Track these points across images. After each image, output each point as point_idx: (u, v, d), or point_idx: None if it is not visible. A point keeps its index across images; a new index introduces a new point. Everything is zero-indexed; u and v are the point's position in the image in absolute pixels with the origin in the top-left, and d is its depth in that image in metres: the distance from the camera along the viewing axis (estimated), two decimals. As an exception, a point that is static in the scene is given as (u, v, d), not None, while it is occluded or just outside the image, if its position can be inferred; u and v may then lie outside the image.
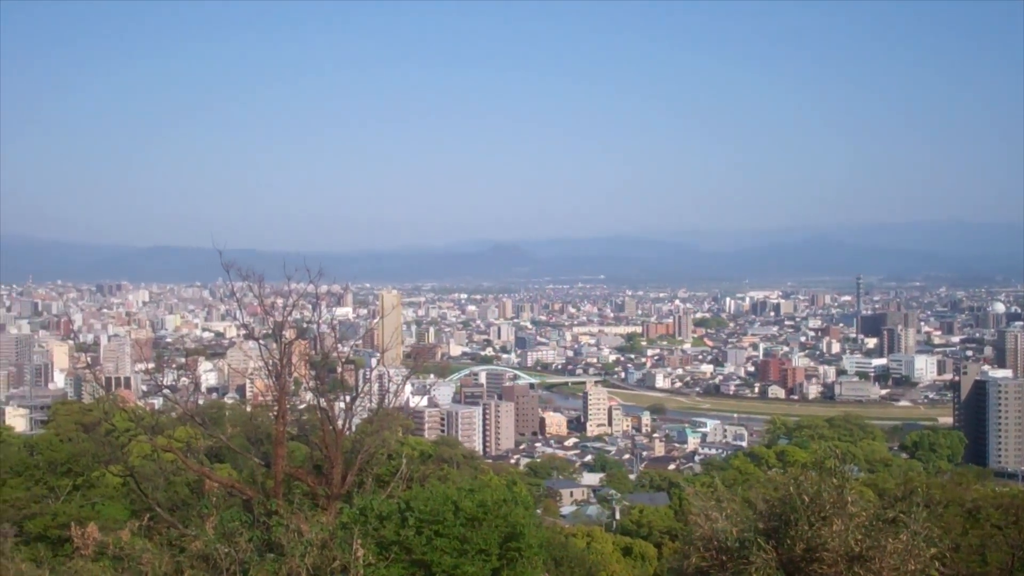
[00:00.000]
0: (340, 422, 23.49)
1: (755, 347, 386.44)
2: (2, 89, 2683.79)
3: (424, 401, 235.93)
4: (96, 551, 18.58)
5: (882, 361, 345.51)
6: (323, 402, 24.03)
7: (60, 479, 46.87)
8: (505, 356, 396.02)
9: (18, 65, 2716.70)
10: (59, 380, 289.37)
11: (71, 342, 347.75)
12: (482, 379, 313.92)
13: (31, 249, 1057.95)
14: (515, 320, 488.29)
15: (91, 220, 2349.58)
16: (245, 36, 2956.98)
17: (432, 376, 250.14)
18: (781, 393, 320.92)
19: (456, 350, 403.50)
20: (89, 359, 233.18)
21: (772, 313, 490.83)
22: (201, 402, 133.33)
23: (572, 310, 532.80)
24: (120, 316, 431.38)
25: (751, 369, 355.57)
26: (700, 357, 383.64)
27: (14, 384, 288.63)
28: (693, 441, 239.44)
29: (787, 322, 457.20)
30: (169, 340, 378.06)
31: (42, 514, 36.85)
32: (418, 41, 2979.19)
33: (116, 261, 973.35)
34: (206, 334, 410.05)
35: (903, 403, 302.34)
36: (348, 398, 25.56)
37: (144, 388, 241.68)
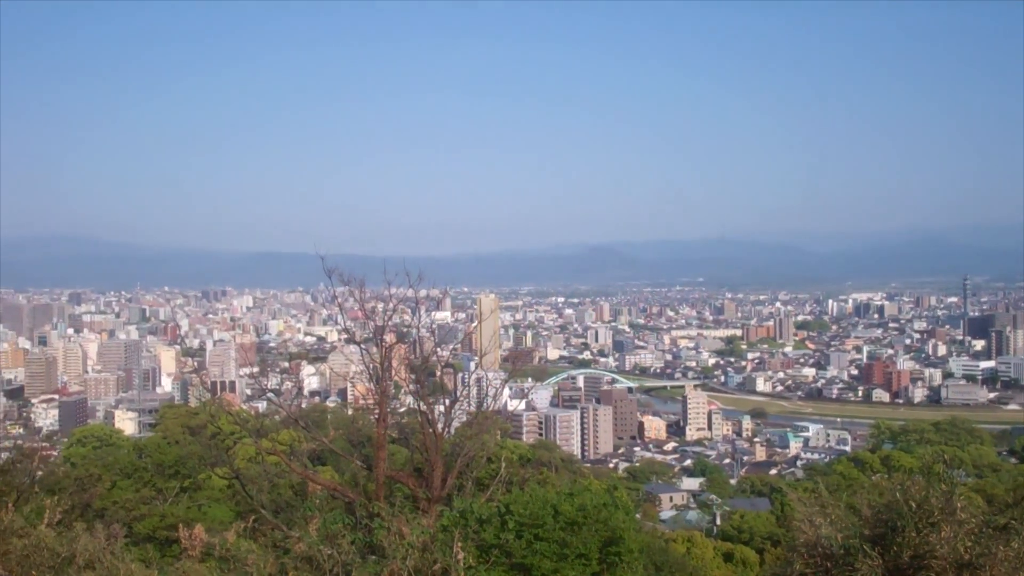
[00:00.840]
0: (440, 425, 23.64)
1: (858, 350, 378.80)
2: (109, 100, 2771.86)
3: (522, 405, 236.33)
4: (203, 552, 18.93)
5: (990, 363, 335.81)
6: (423, 406, 24.19)
7: (168, 481, 47.84)
8: (603, 360, 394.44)
9: (121, 73, 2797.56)
10: (166, 384, 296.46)
11: (178, 347, 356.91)
12: (580, 383, 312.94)
13: (139, 256, 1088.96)
14: (613, 323, 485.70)
15: (197, 227, 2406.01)
16: (350, 43, 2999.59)
17: (530, 380, 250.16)
18: (885, 397, 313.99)
19: (553, 354, 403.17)
20: (195, 364, 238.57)
21: (876, 315, 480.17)
22: (304, 406, 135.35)
23: (671, 313, 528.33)
24: (225, 321, 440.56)
25: (854, 372, 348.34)
26: (802, 360, 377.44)
27: (123, 388, 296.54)
28: (795, 446, 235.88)
29: (891, 324, 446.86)
30: (272, 345, 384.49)
31: (151, 515, 37.61)
32: (518, 43, 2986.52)
33: (221, 267, 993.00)
34: (308, 338, 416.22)
35: (1012, 406, 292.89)
36: (447, 402, 25.71)
37: (248, 392, 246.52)
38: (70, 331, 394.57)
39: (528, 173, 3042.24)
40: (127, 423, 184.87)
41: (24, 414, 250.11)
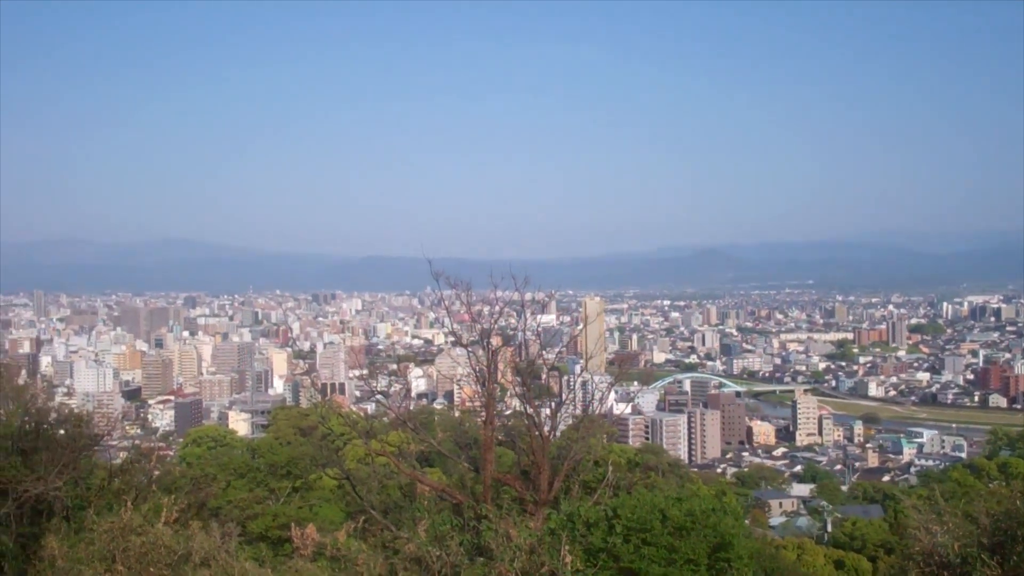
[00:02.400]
0: (546, 428, 23.65)
1: (974, 354, 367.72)
2: (228, 107, 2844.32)
3: (628, 408, 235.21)
4: (314, 552, 19.25)
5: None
6: (529, 409, 24.24)
7: (280, 481, 48.64)
8: (710, 363, 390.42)
9: (243, 80, 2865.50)
10: (278, 386, 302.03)
11: (289, 349, 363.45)
12: (686, 387, 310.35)
13: (252, 261, 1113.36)
14: (720, 327, 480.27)
15: (308, 232, 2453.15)
16: (464, 44, 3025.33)
17: (636, 383, 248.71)
18: (1003, 402, 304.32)
19: (659, 357, 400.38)
20: (306, 366, 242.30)
21: (992, 318, 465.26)
22: (411, 408, 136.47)
23: (779, 316, 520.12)
24: (335, 324, 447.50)
25: (970, 377, 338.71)
26: (916, 365, 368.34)
27: (237, 390, 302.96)
28: (909, 452, 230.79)
29: (1009, 327, 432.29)
30: (381, 347, 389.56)
31: (263, 515, 38.29)
32: (621, 45, 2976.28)
33: (331, 271, 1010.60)
34: (415, 341, 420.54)
35: None
36: (553, 404, 25.71)
37: (358, 393, 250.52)
38: (185, 334, 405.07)
39: (634, 175, 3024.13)
40: (240, 424, 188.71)
41: (142, 414, 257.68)
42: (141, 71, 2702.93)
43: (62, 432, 25.47)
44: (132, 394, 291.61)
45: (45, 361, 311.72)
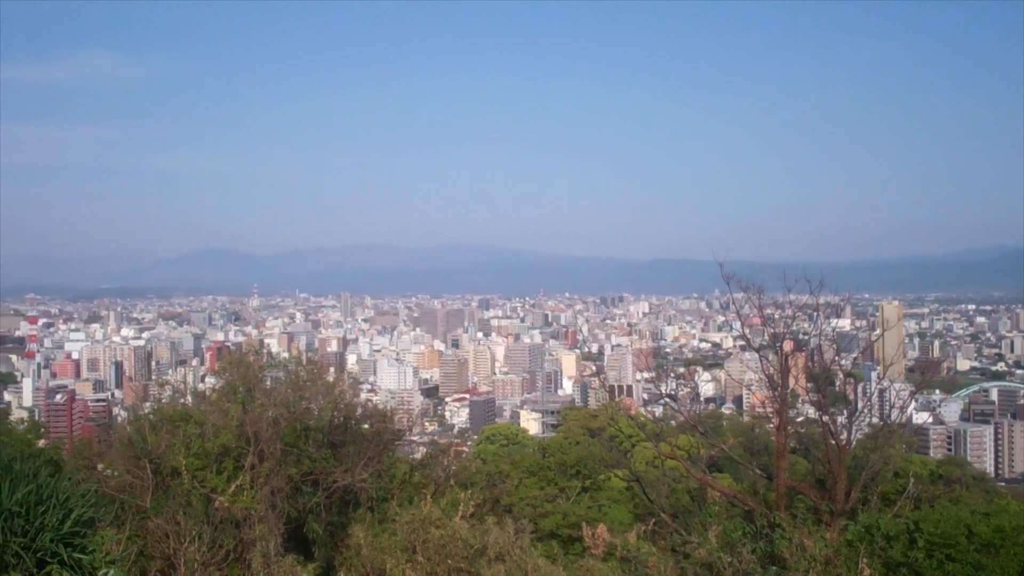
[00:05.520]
0: (842, 437, 22.93)
1: None
2: (517, 120, 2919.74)
3: (928, 418, 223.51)
4: (605, 552, 19.48)
5: None
6: (824, 416, 23.58)
7: (569, 480, 49.21)
8: (1019, 372, 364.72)
9: (538, 96, 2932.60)
10: (567, 386, 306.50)
11: (578, 351, 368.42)
12: (993, 396, 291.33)
13: (541, 264, 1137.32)
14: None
15: (594, 237, 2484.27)
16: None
17: (937, 392, 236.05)
18: None
19: (963, 364, 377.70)
20: (594, 367, 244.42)
21: None
22: (700, 411, 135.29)
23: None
24: (622, 327, 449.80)
25: None
26: None
27: (528, 389, 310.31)
28: None
29: None
30: (668, 350, 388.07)
31: (554, 513, 38.90)
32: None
33: (618, 274, 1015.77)
34: (703, 344, 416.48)
35: None
36: (848, 412, 24.89)
37: (645, 396, 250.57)
38: (480, 335, 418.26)
39: (939, 172, 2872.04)
40: (531, 423, 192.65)
41: (439, 411, 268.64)
42: (441, 83, 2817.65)
43: (367, 427, 26.95)
44: (430, 392, 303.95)
45: (351, 359, 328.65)
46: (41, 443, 46.15)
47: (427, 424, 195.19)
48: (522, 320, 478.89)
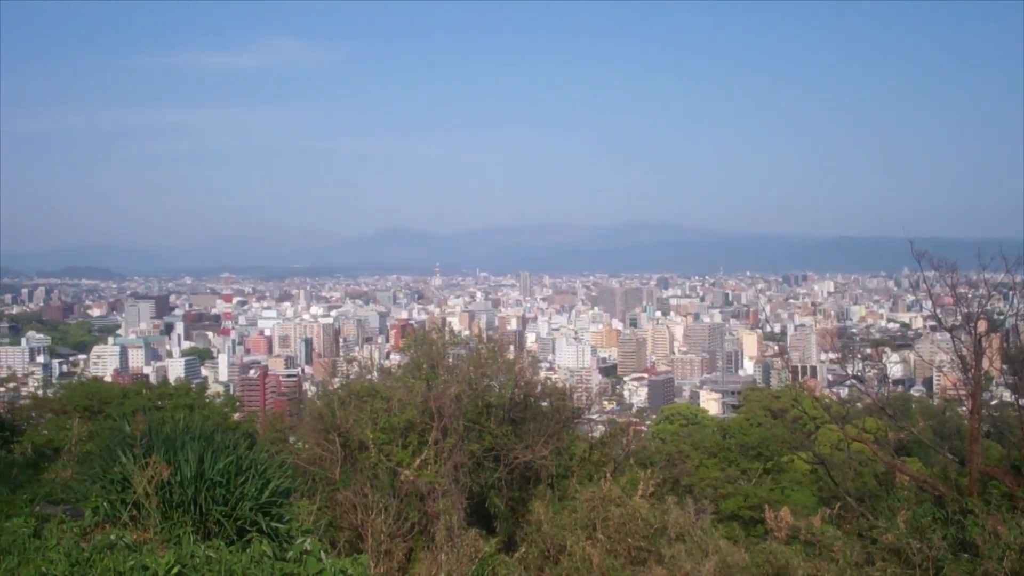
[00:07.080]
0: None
1: None
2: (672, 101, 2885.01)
3: None
4: (788, 535, 19.21)
5: None
6: (1021, 399, 22.63)
7: (751, 462, 48.62)
8: None
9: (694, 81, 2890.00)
10: (748, 367, 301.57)
11: (759, 331, 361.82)
12: None
13: (721, 242, 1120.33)
14: None
15: (774, 213, 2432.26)
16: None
17: None
18: None
19: None
20: (777, 347, 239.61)
21: None
22: (887, 394, 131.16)
23: None
24: (805, 306, 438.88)
25: None
26: None
27: (707, 369, 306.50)
28: None
29: None
30: (854, 330, 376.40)
31: (735, 494, 38.56)
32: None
33: (801, 252, 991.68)
34: (891, 325, 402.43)
35: None
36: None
37: (829, 377, 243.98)
38: (658, 314, 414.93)
39: None
40: (711, 403, 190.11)
41: (617, 390, 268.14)
42: (620, 65, 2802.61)
43: (546, 405, 27.26)
44: (608, 371, 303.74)
45: (530, 337, 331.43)
46: (236, 416, 48.58)
47: (605, 403, 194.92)
48: (701, 299, 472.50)
